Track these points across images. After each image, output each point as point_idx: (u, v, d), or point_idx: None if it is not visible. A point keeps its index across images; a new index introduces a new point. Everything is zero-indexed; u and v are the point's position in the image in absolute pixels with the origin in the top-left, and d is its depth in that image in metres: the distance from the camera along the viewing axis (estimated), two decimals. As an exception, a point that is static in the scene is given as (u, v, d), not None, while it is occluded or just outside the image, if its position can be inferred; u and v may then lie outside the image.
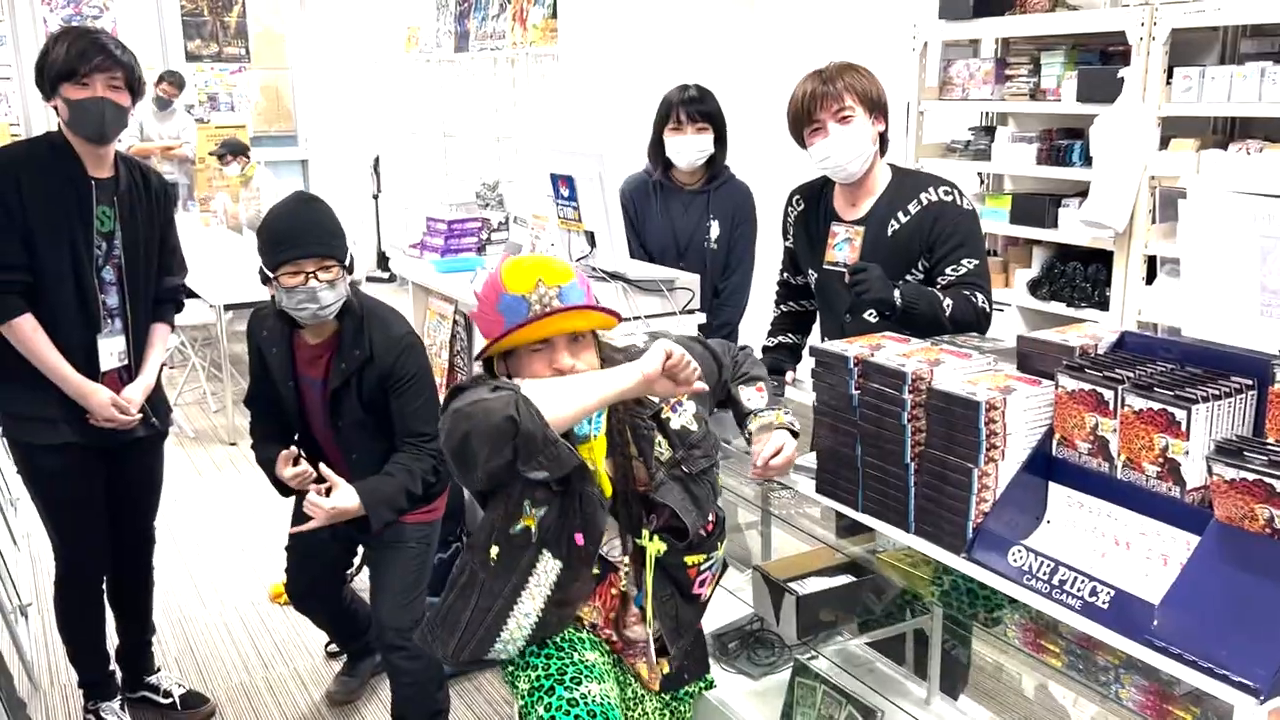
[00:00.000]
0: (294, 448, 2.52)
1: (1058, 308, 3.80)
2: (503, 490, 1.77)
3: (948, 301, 2.28)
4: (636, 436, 1.84)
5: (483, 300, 1.80)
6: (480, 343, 3.55)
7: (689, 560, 1.88)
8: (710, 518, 1.90)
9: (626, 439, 1.83)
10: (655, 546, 1.84)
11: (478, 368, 1.89)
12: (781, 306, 2.77)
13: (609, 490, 1.82)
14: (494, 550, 1.79)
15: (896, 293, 2.25)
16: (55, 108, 2.50)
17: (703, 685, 2.08)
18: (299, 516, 2.80)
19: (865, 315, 2.42)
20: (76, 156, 2.52)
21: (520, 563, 1.78)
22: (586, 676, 1.78)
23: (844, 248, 2.31)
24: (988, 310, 2.33)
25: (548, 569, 1.78)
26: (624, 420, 1.84)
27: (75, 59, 2.44)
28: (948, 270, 2.35)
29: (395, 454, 2.52)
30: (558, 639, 1.85)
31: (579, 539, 1.77)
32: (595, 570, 1.83)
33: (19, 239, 2.46)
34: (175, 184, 7.58)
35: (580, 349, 1.78)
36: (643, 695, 1.95)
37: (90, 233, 2.54)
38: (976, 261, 2.35)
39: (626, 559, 1.86)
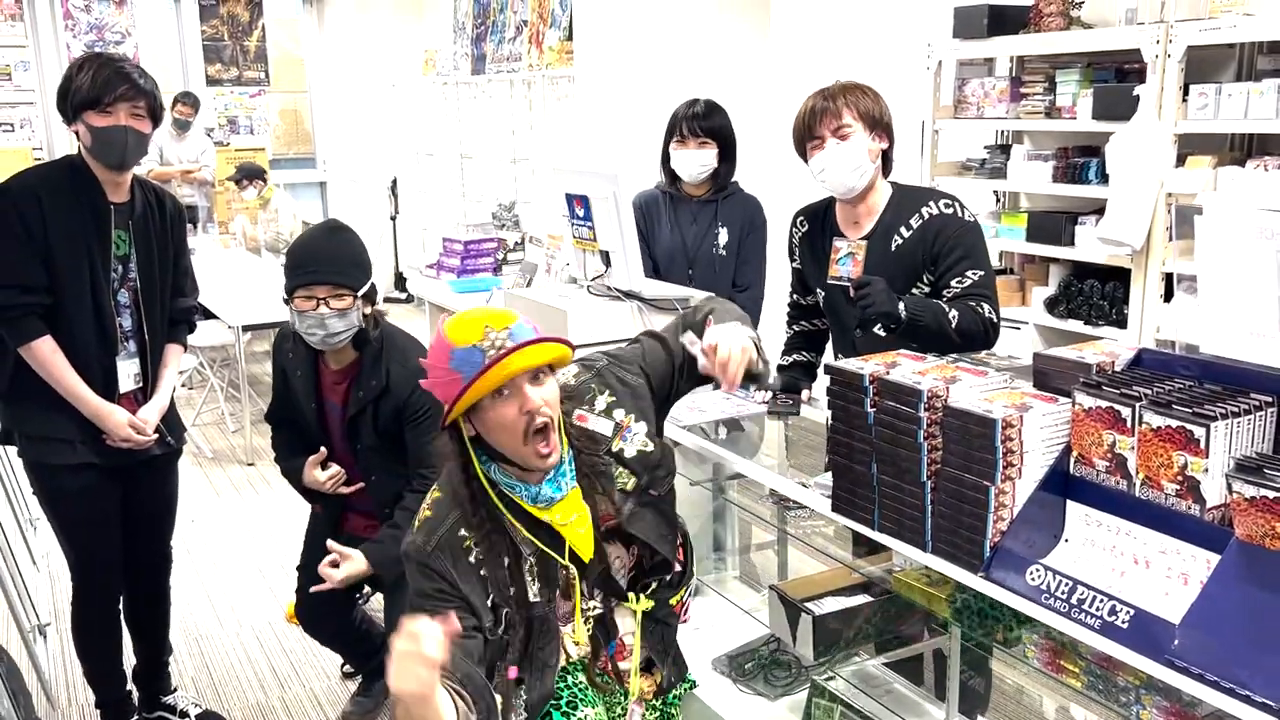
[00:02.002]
0: (322, 449, 2.54)
1: (1075, 326, 3.77)
2: None
3: (953, 313, 2.28)
4: (596, 475, 1.79)
5: (433, 366, 1.69)
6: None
7: (673, 600, 1.94)
8: (679, 541, 1.93)
9: (592, 481, 1.79)
10: (643, 605, 1.88)
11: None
12: (794, 326, 2.78)
13: (588, 552, 1.77)
14: None
15: (901, 305, 2.26)
16: (76, 133, 2.53)
17: (687, 686, 2.12)
18: (314, 532, 2.81)
19: (875, 330, 2.43)
20: (96, 180, 2.55)
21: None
22: (583, 701, 1.81)
23: (847, 263, 2.32)
24: (995, 320, 2.34)
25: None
26: (585, 463, 1.79)
27: (100, 88, 2.47)
28: (953, 283, 2.35)
29: (404, 495, 2.53)
30: None
31: (511, 673, 1.73)
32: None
33: (40, 261, 2.49)
34: (195, 206, 7.66)
35: (543, 387, 1.69)
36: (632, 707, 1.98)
37: (108, 256, 2.57)
38: (981, 273, 2.36)
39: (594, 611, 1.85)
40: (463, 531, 1.71)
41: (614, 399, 1.85)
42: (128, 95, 2.49)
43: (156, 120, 2.59)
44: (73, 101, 2.50)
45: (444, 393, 1.67)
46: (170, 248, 2.73)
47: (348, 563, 2.46)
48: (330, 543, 2.46)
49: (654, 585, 1.89)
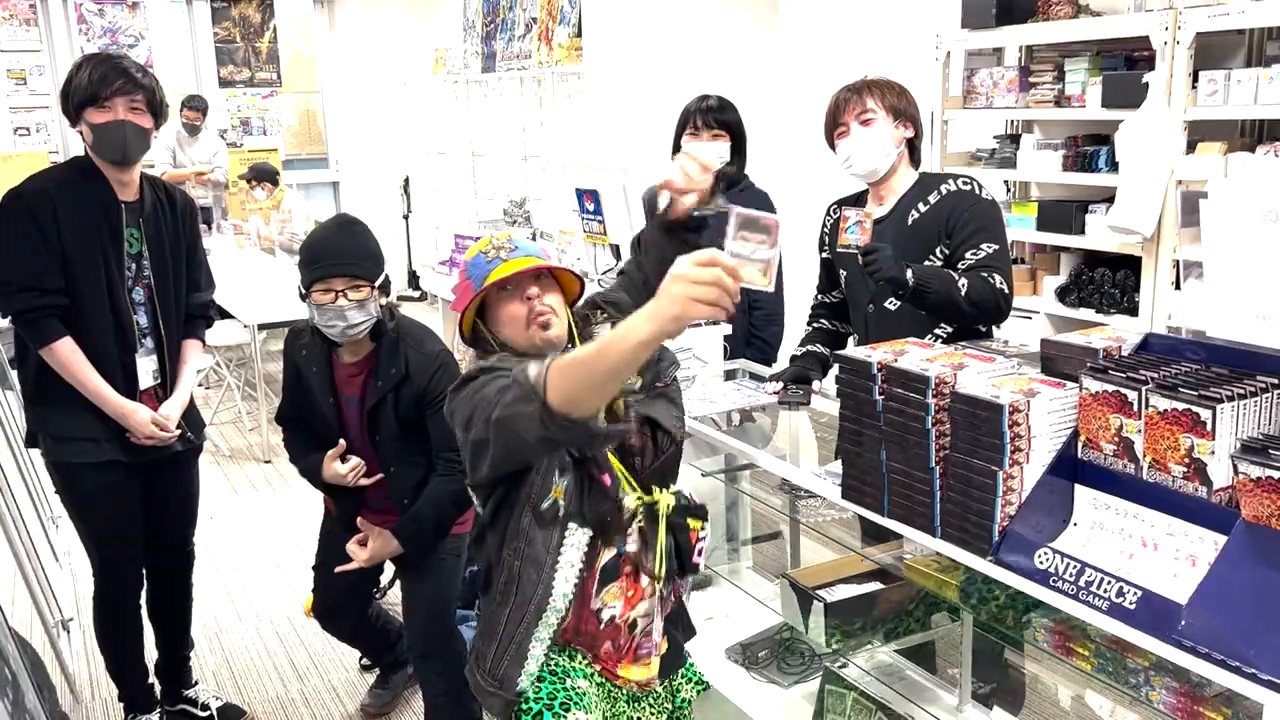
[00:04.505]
0: (341, 442, 2.58)
1: (1087, 314, 3.78)
2: (525, 473, 1.80)
3: (963, 282, 2.31)
4: None
5: (456, 289, 1.93)
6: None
7: (692, 523, 1.94)
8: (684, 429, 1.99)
9: None
10: (666, 501, 1.90)
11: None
12: (814, 323, 2.80)
13: (621, 410, 1.87)
14: (527, 530, 1.82)
15: (909, 272, 2.28)
16: (80, 133, 2.56)
17: (700, 689, 2.10)
18: (329, 531, 2.84)
19: (887, 304, 2.47)
20: (105, 180, 2.57)
21: (551, 541, 1.81)
22: (575, 704, 1.82)
23: (855, 230, 2.35)
24: (1007, 292, 2.35)
25: (576, 542, 1.81)
26: None
27: (97, 84, 2.49)
28: (967, 255, 2.38)
29: (431, 476, 2.57)
30: (553, 665, 1.86)
31: (606, 480, 1.82)
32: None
33: (57, 263, 2.52)
34: (209, 208, 7.73)
35: (545, 288, 1.86)
36: (642, 710, 1.97)
37: (121, 255, 2.60)
38: (996, 246, 2.39)
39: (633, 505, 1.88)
40: None
41: (606, 316, 1.98)
42: (125, 89, 2.51)
43: (158, 115, 2.60)
44: (73, 101, 2.53)
45: (461, 302, 1.88)
46: (182, 244, 2.75)
47: (376, 541, 2.49)
48: (360, 520, 2.49)
49: (675, 489, 1.94)
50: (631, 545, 1.88)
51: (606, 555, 1.85)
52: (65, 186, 2.56)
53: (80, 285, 2.56)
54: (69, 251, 2.53)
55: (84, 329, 2.58)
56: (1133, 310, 3.62)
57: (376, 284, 2.49)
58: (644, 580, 1.89)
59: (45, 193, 2.53)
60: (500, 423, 1.60)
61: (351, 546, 2.52)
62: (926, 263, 2.41)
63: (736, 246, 1.37)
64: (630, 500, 1.86)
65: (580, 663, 1.88)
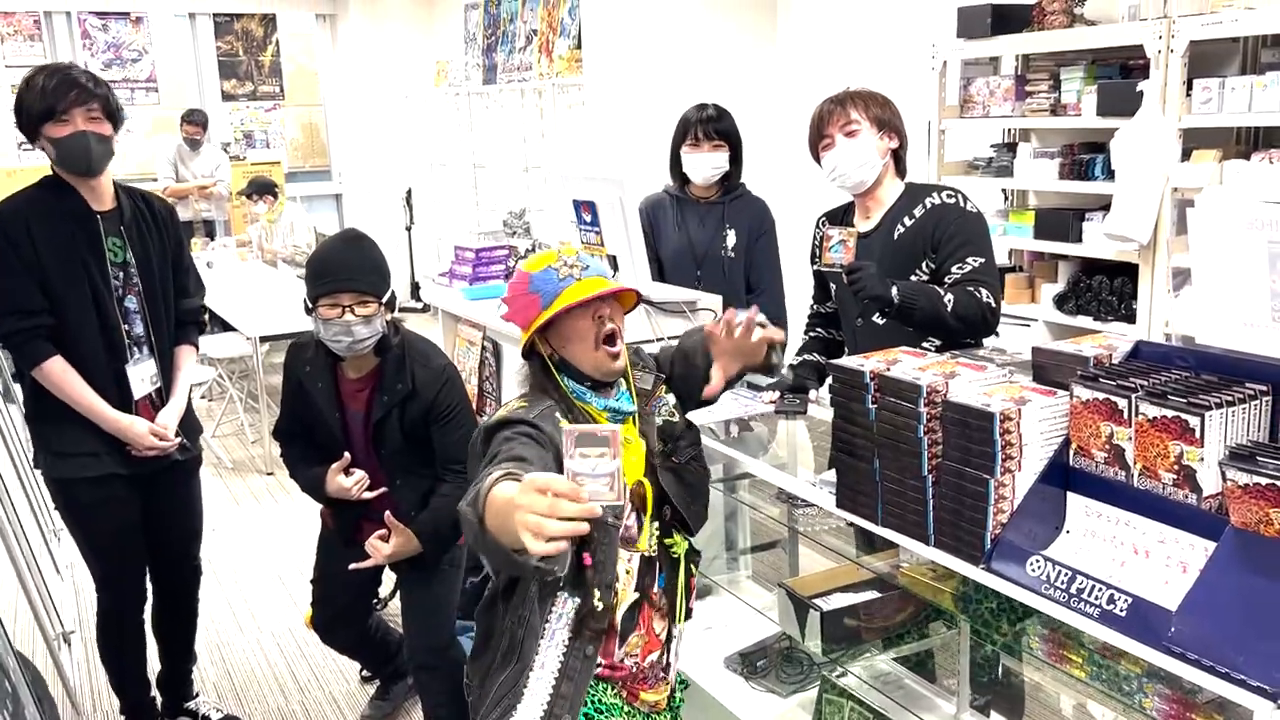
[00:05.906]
0: (346, 455, 2.59)
1: (1084, 322, 3.78)
2: None
3: (949, 297, 2.31)
4: (644, 416, 1.93)
5: (512, 296, 1.85)
6: (507, 363, 3.59)
7: (693, 569, 1.98)
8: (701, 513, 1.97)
9: (643, 419, 1.93)
10: (681, 545, 1.93)
11: (509, 388, 1.93)
12: (810, 332, 2.81)
13: (633, 478, 1.84)
14: (532, 599, 1.81)
15: (894, 289, 2.29)
16: (43, 148, 2.54)
17: (683, 686, 2.12)
18: (326, 544, 2.84)
19: (874, 319, 2.48)
20: (77, 192, 2.57)
21: (548, 610, 1.80)
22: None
23: (839, 249, 2.36)
24: (994, 305, 2.35)
25: (565, 611, 1.80)
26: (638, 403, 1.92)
27: (51, 98, 2.47)
28: (953, 269, 2.39)
29: (440, 484, 2.58)
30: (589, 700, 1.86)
31: (586, 559, 1.77)
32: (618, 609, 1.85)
33: (37, 284, 2.51)
34: (212, 220, 7.77)
35: (614, 310, 1.85)
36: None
37: (104, 265, 2.59)
38: (982, 259, 2.39)
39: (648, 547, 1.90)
40: (558, 415, 1.79)
41: (647, 371, 2.01)
42: (80, 99, 2.49)
43: (115, 121, 2.58)
44: (29, 118, 2.50)
45: (524, 316, 1.82)
46: (168, 249, 2.75)
47: (399, 538, 2.51)
48: (387, 515, 2.51)
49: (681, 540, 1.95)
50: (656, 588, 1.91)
51: (624, 604, 1.85)
52: (37, 204, 2.55)
53: (64, 300, 2.55)
54: (48, 269, 2.52)
55: (72, 343, 2.57)
56: (1130, 318, 3.62)
57: (383, 299, 2.50)
58: (659, 628, 1.93)
59: (17, 212, 2.52)
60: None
61: (373, 542, 2.53)
62: (913, 277, 2.42)
63: (575, 465, 1.29)
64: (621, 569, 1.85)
65: (609, 695, 1.90)
